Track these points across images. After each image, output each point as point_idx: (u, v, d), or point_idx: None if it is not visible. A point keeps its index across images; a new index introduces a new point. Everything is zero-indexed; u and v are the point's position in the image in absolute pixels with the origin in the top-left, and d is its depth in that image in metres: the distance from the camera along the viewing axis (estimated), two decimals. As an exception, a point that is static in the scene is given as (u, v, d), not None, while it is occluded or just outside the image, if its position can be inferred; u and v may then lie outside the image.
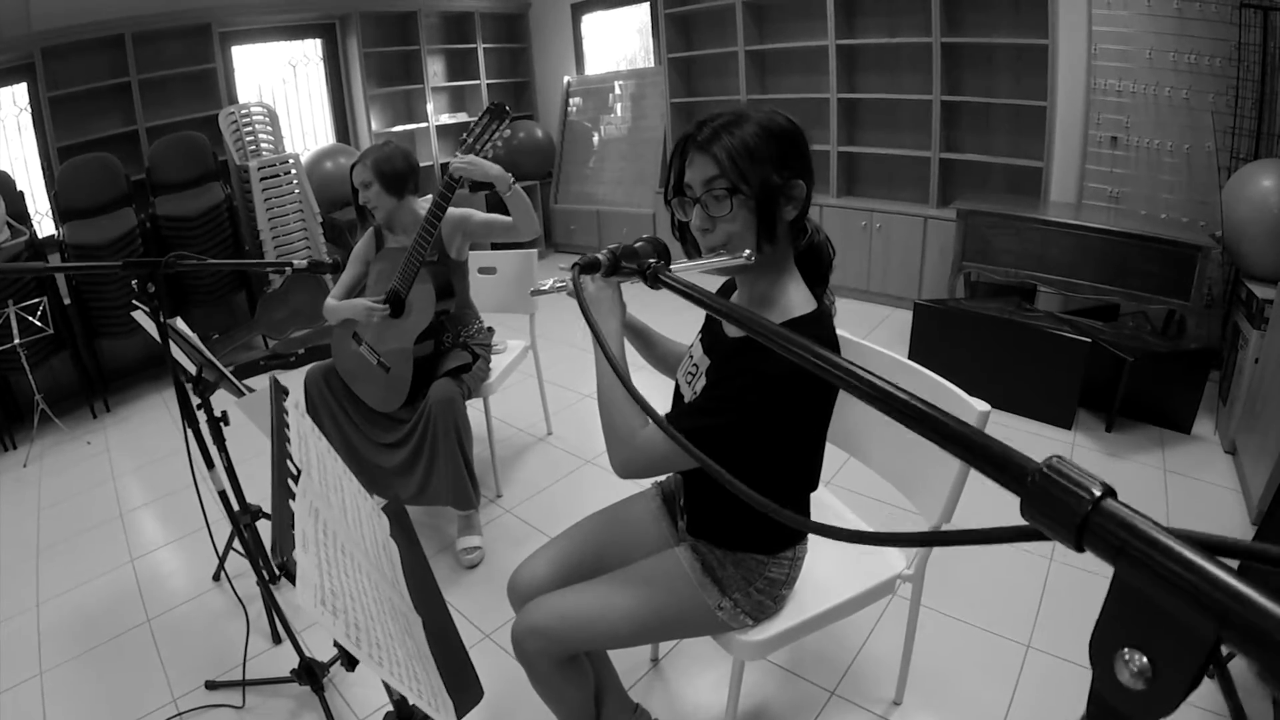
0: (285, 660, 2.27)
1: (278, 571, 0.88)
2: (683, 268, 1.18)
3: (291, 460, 1.12)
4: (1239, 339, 3.44)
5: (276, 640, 2.46)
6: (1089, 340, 3.45)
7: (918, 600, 1.86)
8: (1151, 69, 4.16)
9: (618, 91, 7.19)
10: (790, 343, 0.63)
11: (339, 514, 1.18)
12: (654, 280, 0.97)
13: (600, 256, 1.10)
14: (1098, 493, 0.39)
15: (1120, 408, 3.51)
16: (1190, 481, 3.14)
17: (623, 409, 1.36)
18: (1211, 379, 3.64)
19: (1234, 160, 3.91)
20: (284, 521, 0.95)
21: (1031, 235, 4.17)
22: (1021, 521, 0.42)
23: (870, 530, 0.49)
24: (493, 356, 3.13)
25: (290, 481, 1.05)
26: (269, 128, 5.47)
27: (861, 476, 2.56)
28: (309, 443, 1.26)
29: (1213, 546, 0.35)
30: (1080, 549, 0.39)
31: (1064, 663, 2.18)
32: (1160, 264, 3.74)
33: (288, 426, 1.21)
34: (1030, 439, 3.52)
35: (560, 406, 3.99)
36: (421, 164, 6.64)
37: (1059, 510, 0.39)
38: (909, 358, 4.01)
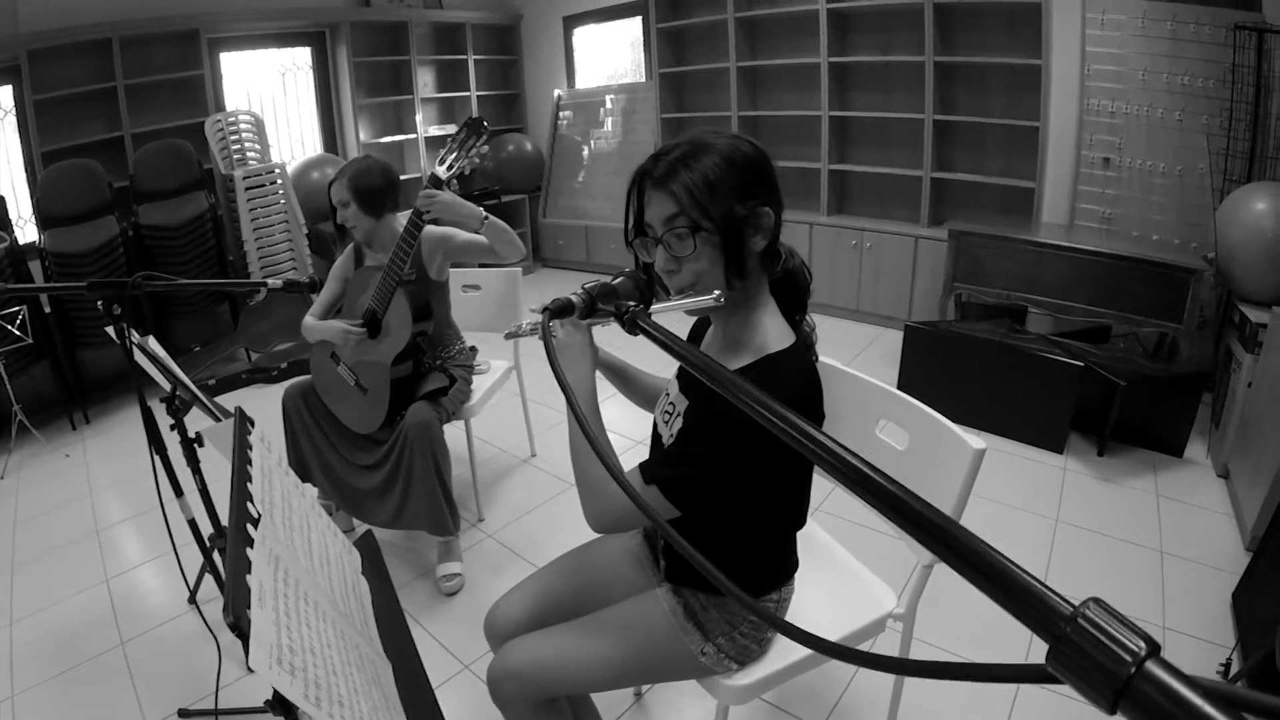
0: (260, 689, 2.21)
1: (231, 630, 0.82)
2: (656, 310, 1.10)
3: (252, 502, 1.06)
4: (1231, 362, 3.42)
5: (251, 668, 2.39)
6: (1081, 364, 3.43)
7: (909, 638, 1.81)
8: (1145, 90, 4.15)
9: (608, 106, 7.16)
10: (764, 408, 0.59)
11: (304, 557, 1.13)
12: (632, 326, 0.91)
13: (574, 298, 1.03)
14: (1142, 653, 0.34)
15: (1112, 431, 3.48)
16: (1183, 506, 3.12)
17: (596, 461, 1.29)
18: (1204, 402, 3.61)
19: (1227, 182, 3.90)
20: (239, 574, 0.89)
21: (1023, 256, 4.15)
22: (1033, 655, 0.37)
23: (853, 648, 0.44)
24: (475, 377, 3.07)
25: (250, 526, 1.00)
26: (255, 136, 5.41)
27: (849, 503, 2.51)
28: (274, 480, 1.20)
29: (1269, 711, 0.30)
30: (1114, 713, 0.34)
31: (1057, 696, 2.14)
32: (1153, 286, 3.72)
33: (250, 463, 1.16)
34: (1022, 464, 3.49)
35: (544, 427, 3.92)
36: (410, 176, 6.63)
37: (1095, 670, 0.34)
38: (899, 381, 4.05)
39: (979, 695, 2.18)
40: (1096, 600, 0.37)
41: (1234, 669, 2.18)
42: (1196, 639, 2.37)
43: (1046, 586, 0.39)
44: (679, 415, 1.39)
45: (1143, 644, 0.35)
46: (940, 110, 5.01)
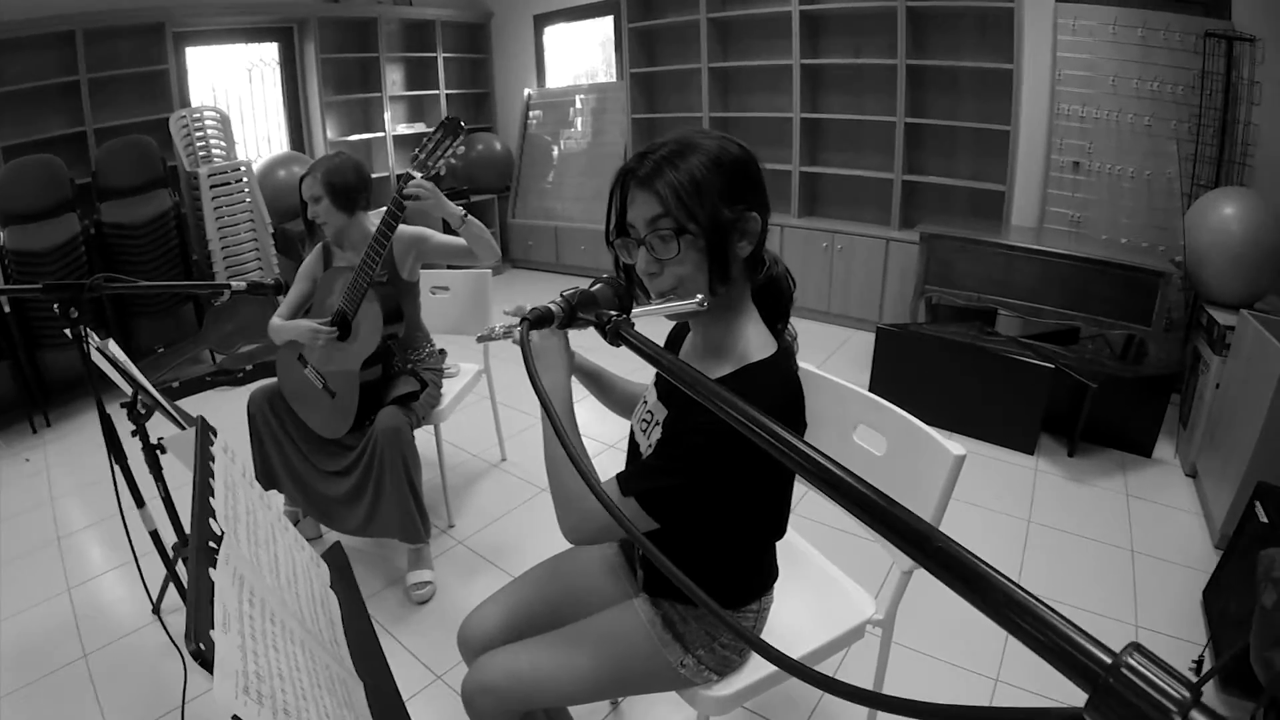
0: (228, 703, 2.15)
1: (194, 659, 0.79)
2: (636, 314, 1.05)
3: (215, 519, 1.02)
4: (1199, 364, 3.46)
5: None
6: (1052, 366, 3.45)
7: (888, 642, 1.80)
8: (1114, 95, 4.19)
9: (578, 105, 7.13)
10: (746, 418, 0.57)
11: (269, 574, 1.09)
12: (614, 337, 0.88)
13: (553, 308, 0.99)
14: (1188, 702, 0.33)
15: (1082, 432, 3.52)
16: (1152, 505, 3.16)
17: (573, 471, 1.24)
18: (1172, 403, 3.65)
19: (1195, 187, 3.95)
20: (202, 597, 0.85)
21: (994, 259, 4.17)
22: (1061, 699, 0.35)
23: (854, 685, 0.42)
24: (444, 380, 3.01)
25: (212, 544, 0.96)
26: (221, 133, 5.31)
27: (823, 506, 2.49)
28: (238, 492, 1.16)
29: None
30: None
31: (1033, 696, 2.15)
32: (1122, 289, 3.75)
33: (213, 476, 1.11)
34: (993, 465, 3.50)
35: (514, 431, 3.87)
36: (378, 174, 6.54)
37: None
38: (870, 383, 4.06)
39: (957, 694, 2.19)
40: (1137, 646, 0.35)
41: (1206, 667, 2.20)
42: (1169, 637, 2.40)
43: (1084, 632, 0.37)
44: (657, 424, 1.36)
45: (1186, 693, 0.34)
46: (912, 113, 5.03)
